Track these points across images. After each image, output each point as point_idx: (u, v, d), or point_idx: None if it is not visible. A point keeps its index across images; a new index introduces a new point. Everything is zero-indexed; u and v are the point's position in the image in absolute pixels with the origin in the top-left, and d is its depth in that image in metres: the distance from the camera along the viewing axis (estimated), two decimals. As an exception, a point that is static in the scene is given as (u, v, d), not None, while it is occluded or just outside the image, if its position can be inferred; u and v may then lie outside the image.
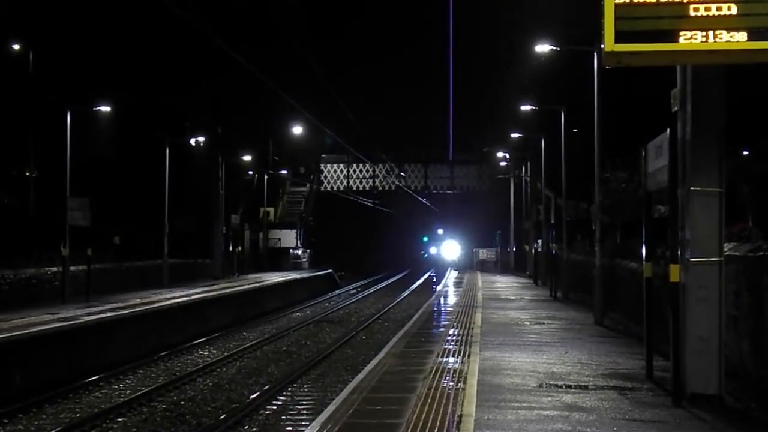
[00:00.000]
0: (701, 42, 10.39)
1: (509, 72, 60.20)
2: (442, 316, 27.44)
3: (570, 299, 33.45)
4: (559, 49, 31.64)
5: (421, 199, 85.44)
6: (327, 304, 49.18)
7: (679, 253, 12.42)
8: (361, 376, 15.32)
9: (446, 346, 19.14)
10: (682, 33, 10.41)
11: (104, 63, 49.08)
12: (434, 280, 66.99)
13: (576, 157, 35.92)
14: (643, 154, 14.24)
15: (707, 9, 10.37)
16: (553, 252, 37.00)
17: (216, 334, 32.31)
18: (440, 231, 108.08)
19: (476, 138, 78.64)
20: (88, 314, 26.67)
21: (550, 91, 44.01)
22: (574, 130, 37.24)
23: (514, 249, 66.72)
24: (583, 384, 14.14)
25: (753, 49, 10.34)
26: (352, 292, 60.04)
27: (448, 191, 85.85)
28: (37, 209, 40.49)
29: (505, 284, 47.51)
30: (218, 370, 24.58)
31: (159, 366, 25.19)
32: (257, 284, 45.84)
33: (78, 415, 18.35)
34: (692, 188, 12.23)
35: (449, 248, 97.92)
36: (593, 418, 11.48)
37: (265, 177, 67.95)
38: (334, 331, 34.77)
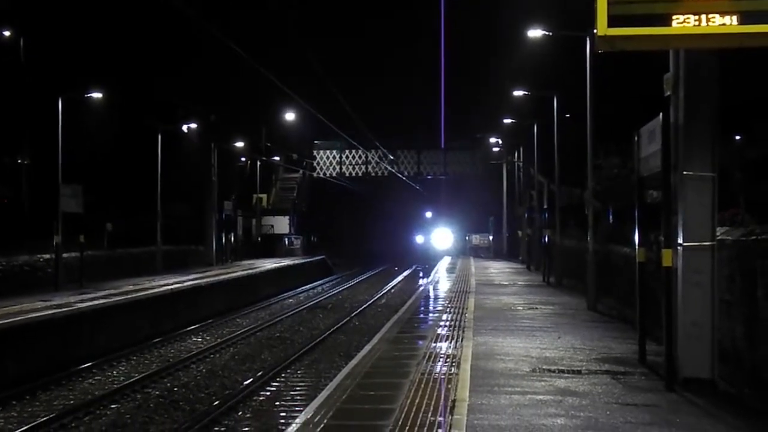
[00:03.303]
0: (694, 26, 10.36)
1: (502, 57, 60.12)
2: (436, 302, 27.47)
3: (563, 285, 33.49)
4: (551, 34, 31.55)
5: (408, 181, 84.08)
6: (320, 291, 49.22)
7: (672, 237, 12.43)
8: (354, 361, 15.33)
9: (439, 332, 19.17)
10: (675, 17, 10.38)
11: (96, 50, 48.90)
12: (420, 281, 53.61)
13: (569, 143, 35.90)
14: (636, 139, 14.23)
15: (700, -8, 10.35)
16: (546, 238, 37.04)
17: (209, 321, 32.31)
18: (428, 214, 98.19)
19: (469, 124, 78.59)
20: (82, 301, 26.65)
21: (543, 76, 43.95)
22: (567, 116, 37.20)
23: (507, 235, 66.78)
24: (576, 369, 14.18)
25: (745, 32, 10.31)
26: (345, 278, 60.04)
27: (441, 177, 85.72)
28: (30, 197, 40.38)
29: (498, 270, 47.57)
30: (212, 356, 24.59)
31: (152, 353, 25.19)
32: (250, 271, 45.82)
33: (71, 402, 18.35)
34: (685, 173, 12.24)
35: (440, 236, 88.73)
36: (586, 402, 11.51)
37: (258, 163, 67.84)
38: (328, 318, 34.79)
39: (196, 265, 50.18)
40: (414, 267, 71.07)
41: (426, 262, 72.19)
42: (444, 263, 57.95)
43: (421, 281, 51.15)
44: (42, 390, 19.39)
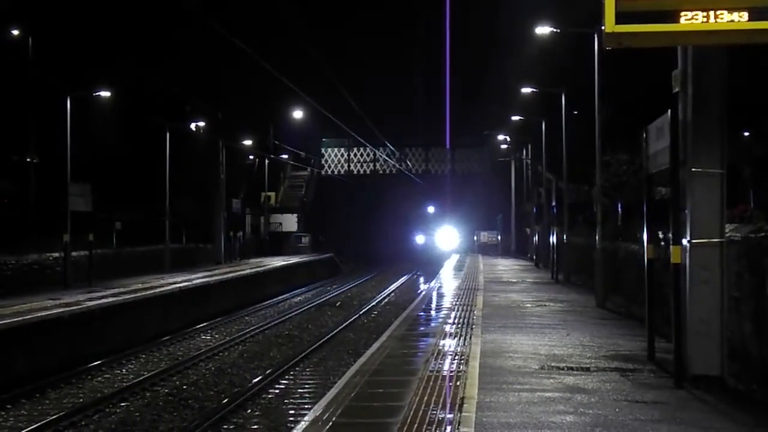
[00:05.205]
0: (702, 22, 10.33)
1: (509, 55, 60.02)
2: (444, 299, 27.45)
3: (571, 282, 33.47)
4: (559, 31, 31.51)
5: (412, 176, 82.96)
6: (328, 289, 49.23)
7: (680, 234, 12.41)
8: (363, 359, 15.34)
9: (448, 329, 19.17)
10: (683, 13, 10.35)
11: (104, 48, 48.94)
12: (429, 280, 47.85)
13: (577, 140, 35.85)
14: (644, 135, 14.21)
15: (708, -12, 10.31)
16: (554, 235, 37.00)
17: (218, 319, 32.36)
18: (431, 209, 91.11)
19: (477, 121, 78.33)
20: (91, 299, 26.72)
21: (551, 73, 43.89)
22: (575, 113, 37.15)
23: (514, 232, 66.68)
24: (584, 366, 14.16)
25: (754, 29, 10.27)
26: (353, 276, 60.04)
27: (446, 174, 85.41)
28: (39, 195, 40.47)
29: (506, 267, 47.54)
30: (220, 354, 24.63)
31: (161, 351, 25.25)
32: (259, 269, 45.87)
33: (81, 400, 18.41)
34: (693, 169, 12.21)
35: (446, 235, 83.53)
36: (595, 399, 11.50)
37: (266, 161, 67.86)
38: (336, 315, 34.82)
39: (204, 263, 50.26)
40: (412, 273, 62.65)
41: (427, 266, 64.03)
42: (452, 261, 57.87)
43: (429, 280, 51.09)
44: (52, 388, 19.45)
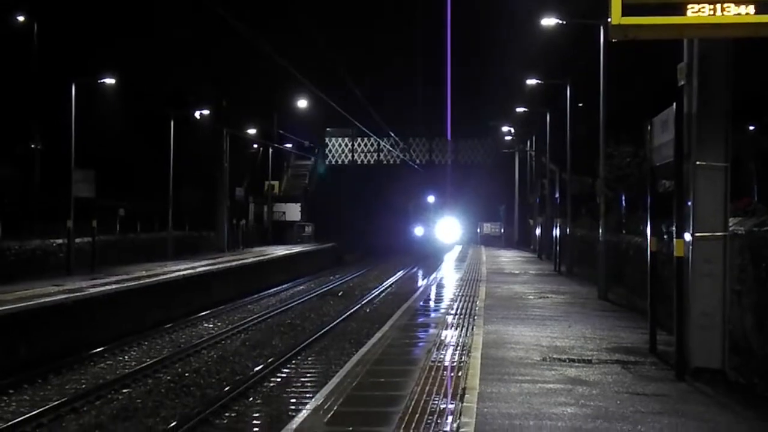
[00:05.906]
0: (709, 15, 10.30)
1: (514, 45, 59.87)
2: (446, 290, 27.48)
3: (574, 274, 33.45)
4: (565, 22, 31.41)
5: (411, 163, 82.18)
6: (331, 278, 49.24)
7: (684, 227, 12.40)
8: (365, 348, 15.38)
9: (450, 320, 19.19)
10: (689, 6, 10.33)
11: (109, 35, 48.89)
12: (431, 270, 45.06)
13: (581, 132, 35.78)
14: (649, 128, 14.20)
15: (715, -19, 10.28)
16: (557, 227, 36.98)
17: (221, 307, 32.39)
18: (431, 199, 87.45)
19: (481, 112, 78.14)
20: (93, 286, 26.75)
21: (555, 64, 43.80)
22: (579, 105, 37.06)
23: (518, 223, 66.65)
24: (586, 358, 14.18)
25: (761, 22, 10.26)
26: (355, 266, 60.02)
27: (446, 164, 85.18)
28: (42, 182, 40.51)
29: (509, 258, 47.55)
30: (223, 342, 24.67)
31: (164, 338, 25.29)
32: (261, 257, 45.90)
33: (83, 386, 18.44)
34: (698, 163, 12.20)
35: (447, 227, 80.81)
36: (596, 391, 11.51)
37: (270, 150, 67.84)
38: (338, 305, 34.83)
39: (207, 251, 50.28)
40: (415, 264, 60.01)
41: (428, 258, 61.54)
42: (454, 252, 57.84)
43: (432, 271, 51.11)
44: (54, 374, 19.50)
